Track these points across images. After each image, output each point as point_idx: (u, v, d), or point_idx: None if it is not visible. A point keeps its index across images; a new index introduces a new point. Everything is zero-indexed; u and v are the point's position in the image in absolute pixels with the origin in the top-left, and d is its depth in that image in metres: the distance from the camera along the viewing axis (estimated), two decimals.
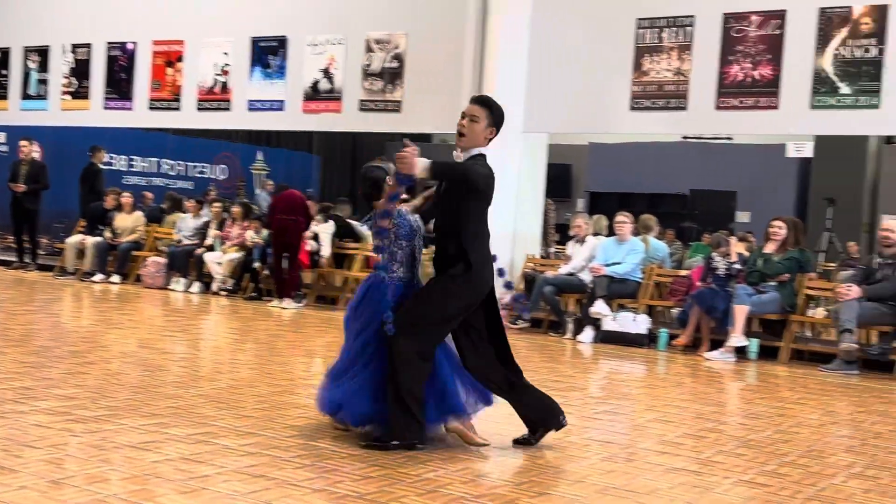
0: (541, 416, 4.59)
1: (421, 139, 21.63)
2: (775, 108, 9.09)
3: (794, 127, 9.89)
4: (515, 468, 4.30)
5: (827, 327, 9.08)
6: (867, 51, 8.62)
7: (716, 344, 8.76)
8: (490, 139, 4.56)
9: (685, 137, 18.73)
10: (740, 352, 8.66)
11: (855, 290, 8.25)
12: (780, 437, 5.26)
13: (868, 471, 4.56)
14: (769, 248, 9.10)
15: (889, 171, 18.94)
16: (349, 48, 11.81)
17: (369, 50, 11.61)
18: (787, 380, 7.82)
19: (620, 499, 3.78)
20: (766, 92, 9.12)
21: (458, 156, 4.56)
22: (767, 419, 5.81)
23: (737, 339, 8.57)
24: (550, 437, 4.63)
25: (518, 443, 4.58)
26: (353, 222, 12.40)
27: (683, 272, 10.02)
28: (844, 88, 8.73)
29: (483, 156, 4.54)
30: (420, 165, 4.26)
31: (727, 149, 19.64)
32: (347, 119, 12.00)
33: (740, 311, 8.58)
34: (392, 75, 11.45)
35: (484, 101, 4.58)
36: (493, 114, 4.52)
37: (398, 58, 11.39)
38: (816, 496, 4.02)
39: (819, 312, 9.12)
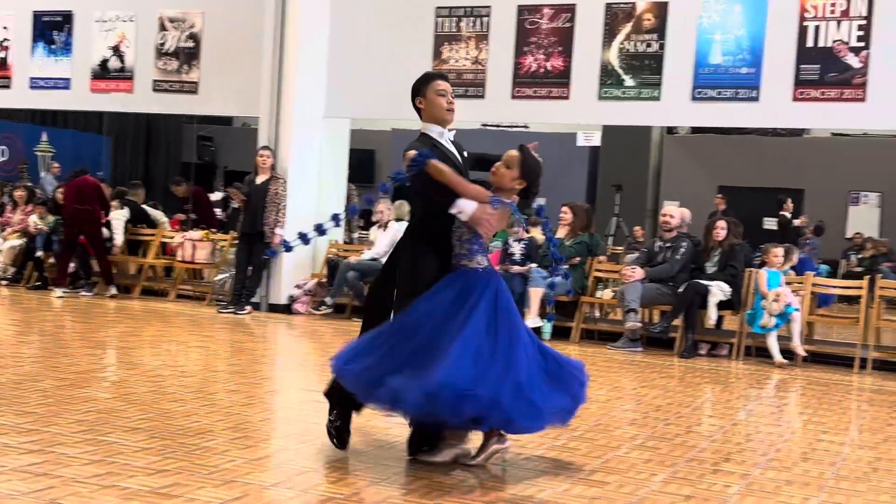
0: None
1: (220, 122, 21.08)
2: (566, 98, 9.48)
3: (584, 116, 10.34)
4: (316, 454, 4.28)
5: (614, 308, 9.60)
6: (649, 45, 9.14)
7: None
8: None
9: (484, 125, 19.22)
10: (535, 332, 8.97)
11: (638, 272, 8.77)
12: None
13: (649, 442, 4.86)
14: (560, 233, 9.50)
15: (670, 160, 20.22)
16: (140, 26, 11.31)
17: (163, 28, 11.17)
18: (578, 358, 8.18)
19: (418, 478, 3.85)
20: (557, 82, 9.49)
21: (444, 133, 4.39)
22: None
23: (532, 320, 8.89)
24: (352, 421, 4.63)
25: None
26: (148, 208, 11.92)
27: None
28: (629, 81, 9.22)
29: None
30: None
31: (523, 137, 20.30)
32: (140, 99, 11.51)
33: (535, 294, 8.92)
34: (188, 55, 11.06)
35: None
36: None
37: (194, 37, 11.01)
38: (602, 468, 4.25)
39: (607, 294, 9.62)
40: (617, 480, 4.03)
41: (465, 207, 4.02)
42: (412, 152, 4.06)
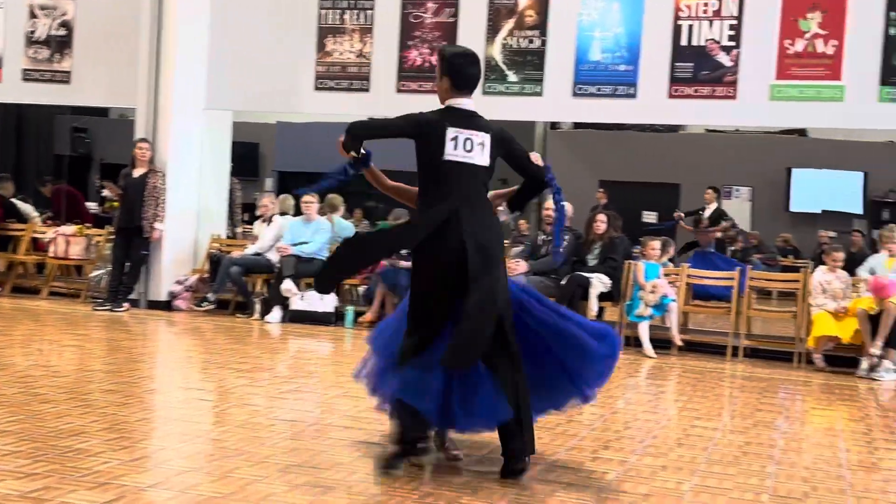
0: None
1: (96, 113, 20.34)
2: None
3: None
4: (197, 454, 4.19)
5: None
6: (531, 41, 9.27)
7: None
8: (448, 89, 4.09)
9: (371, 119, 19.17)
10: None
11: (522, 265, 8.90)
12: None
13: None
14: None
15: (554, 155, 20.51)
16: (9, 13, 10.82)
17: (33, 16, 10.71)
18: None
19: (303, 475, 3.81)
20: None
21: None
22: None
23: None
24: (236, 418, 4.56)
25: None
26: (18, 202, 11.42)
27: None
28: (512, 76, 9.33)
29: (444, 108, 4.12)
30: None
31: None
32: (9, 89, 11.00)
33: None
34: (60, 43, 10.63)
35: (437, 51, 4.26)
36: (443, 61, 4.11)
37: (66, 25, 10.60)
38: (481, 460, 4.29)
39: None
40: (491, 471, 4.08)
41: None
42: None
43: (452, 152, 3.98)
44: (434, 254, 3.93)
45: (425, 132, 3.99)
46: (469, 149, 4.00)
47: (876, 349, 7.68)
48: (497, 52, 9.35)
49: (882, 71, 8.15)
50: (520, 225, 17.22)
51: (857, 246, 14.26)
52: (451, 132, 3.97)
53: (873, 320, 7.80)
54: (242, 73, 10.03)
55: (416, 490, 3.69)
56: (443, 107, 4.10)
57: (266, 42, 9.95)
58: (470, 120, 4.06)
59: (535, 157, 4.27)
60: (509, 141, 4.19)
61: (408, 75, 9.62)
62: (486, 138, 4.05)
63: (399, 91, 9.67)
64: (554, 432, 4.93)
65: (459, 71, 4.06)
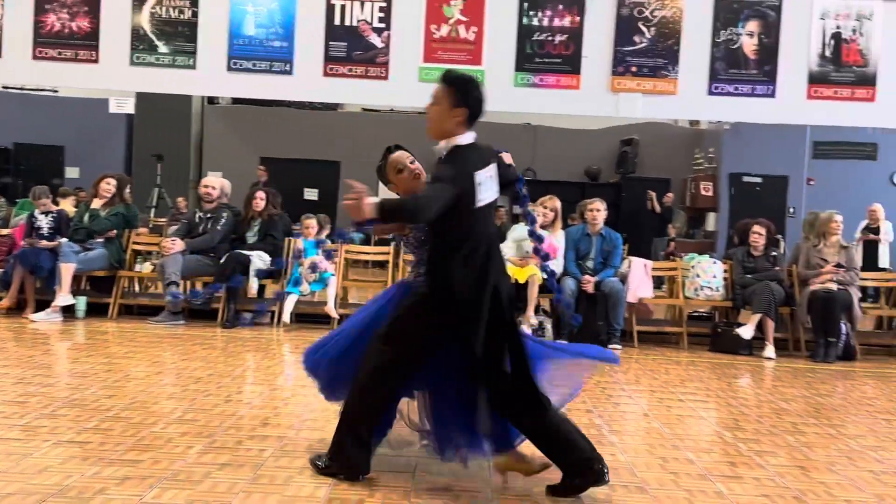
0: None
1: None
2: (95, 62, 8.95)
3: (115, 82, 9.81)
4: None
5: (154, 281, 9.34)
6: (182, 12, 8.93)
7: (43, 305, 8.43)
8: (463, 122, 3.68)
9: (5, 87, 17.53)
10: (68, 311, 8.45)
11: (179, 244, 8.62)
12: (105, 392, 5.27)
13: (187, 414, 4.82)
14: (96, 204, 9.02)
15: (212, 130, 20.08)
16: None
17: None
18: (116, 335, 7.86)
19: None
20: (85, 45, 8.92)
21: (439, 148, 3.72)
22: (94, 377, 5.77)
23: (63, 298, 8.35)
24: None
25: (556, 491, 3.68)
26: None
27: (6, 231, 9.42)
28: (163, 47, 8.95)
29: (459, 148, 3.68)
30: (370, 209, 3.41)
31: (51, 101, 18.86)
32: None
33: (66, 270, 8.37)
34: None
35: (445, 77, 3.74)
36: (459, 91, 3.67)
37: None
38: (136, 445, 4.12)
39: (146, 267, 9.33)
40: (151, 457, 3.94)
41: None
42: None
43: (481, 197, 3.68)
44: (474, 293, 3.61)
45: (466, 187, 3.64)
46: (489, 186, 3.73)
47: (533, 319, 8.18)
48: (145, 22, 8.92)
49: (517, 57, 8.83)
50: (178, 203, 16.67)
51: (501, 220, 15.37)
52: (478, 177, 3.66)
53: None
54: None
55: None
56: (455, 145, 3.71)
57: None
58: (482, 155, 3.75)
59: (507, 158, 4.04)
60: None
61: (46, 42, 8.90)
62: (493, 169, 3.79)
63: (35, 58, 8.93)
64: (211, 413, 4.85)
65: (478, 104, 3.73)
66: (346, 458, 3.73)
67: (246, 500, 3.46)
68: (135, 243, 9.20)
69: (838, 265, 8.59)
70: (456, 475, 3.88)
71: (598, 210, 8.62)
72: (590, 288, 8.30)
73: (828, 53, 8.76)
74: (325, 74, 8.91)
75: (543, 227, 8.33)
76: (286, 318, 8.57)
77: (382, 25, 8.86)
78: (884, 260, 12.73)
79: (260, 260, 8.78)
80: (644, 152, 19.46)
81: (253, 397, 5.43)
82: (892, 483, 4.19)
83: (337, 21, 8.88)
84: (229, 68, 8.97)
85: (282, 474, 3.81)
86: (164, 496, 3.44)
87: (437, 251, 3.66)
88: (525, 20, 8.80)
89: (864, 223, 13.13)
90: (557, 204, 8.61)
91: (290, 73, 8.93)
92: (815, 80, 8.79)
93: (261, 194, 9.23)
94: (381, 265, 9.88)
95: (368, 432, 3.73)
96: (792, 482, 4.04)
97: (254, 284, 8.78)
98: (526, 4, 8.80)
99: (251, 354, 7.22)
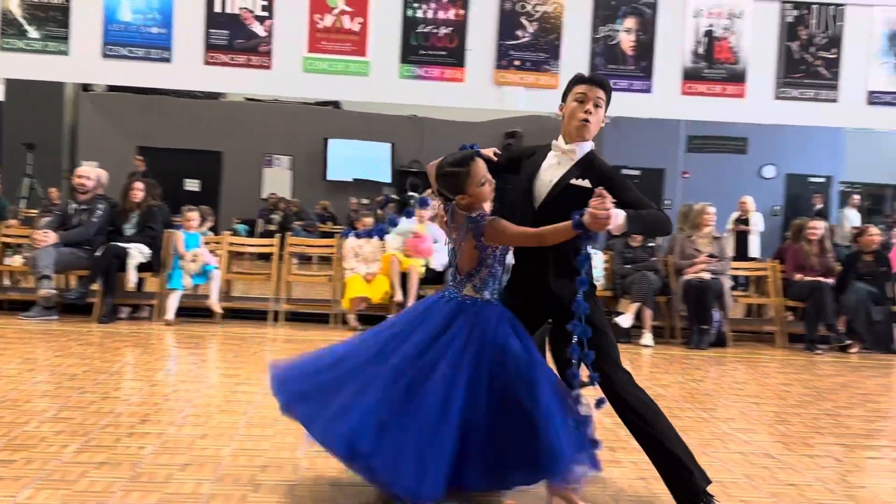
0: None
1: None
2: None
3: None
4: None
5: (26, 275, 8.97)
6: None
7: None
8: None
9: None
10: None
11: (51, 237, 8.30)
12: None
13: (62, 413, 4.66)
14: None
15: (87, 119, 19.40)
16: None
17: None
18: None
19: None
20: None
21: (561, 146, 3.64)
22: None
23: None
24: None
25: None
26: None
27: None
28: (33, 32, 8.59)
29: (594, 151, 3.68)
30: (622, 221, 3.23)
31: None
32: None
33: None
34: None
35: (607, 84, 3.68)
36: (609, 98, 3.72)
37: None
38: (7, 445, 3.97)
39: (17, 260, 8.96)
40: (24, 457, 3.80)
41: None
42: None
43: None
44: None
45: None
46: None
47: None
48: (15, 6, 8.53)
49: (402, 49, 8.83)
50: (50, 193, 16.06)
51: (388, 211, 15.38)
52: None
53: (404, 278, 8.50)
54: None
55: None
56: (593, 149, 3.71)
57: None
58: None
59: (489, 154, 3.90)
60: None
61: None
62: None
63: None
64: (87, 411, 4.70)
65: None
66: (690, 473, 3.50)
67: (124, 498, 3.38)
68: (4, 235, 8.82)
69: (711, 255, 8.94)
70: None
71: None
72: None
73: (701, 50, 9.08)
74: (206, 63, 8.71)
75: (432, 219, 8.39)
76: (170, 316, 8.33)
77: (265, 14, 8.72)
78: (753, 250, 13.31)
79: (139, 252, 8.54)
80: (528, 144, 19.78)
81: (131, 394, 5.29)
82: (760, 464, 4.40)
83: (218, 8, 8.69)
84: (104, 55, 8.67)
85: (162, 472, 3.73)
86: (38, 496, 3.33)
87: (564, 252, 3.50)
88: (410, 12, 8.81)
89: (735, 214, 13.68)
90: None
91: (168, 60, 8.69)
92: (689, 76, 9.09)
93: (139, 184, 8.97)
94: (265, 258, 9.75)
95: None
96: None
97: (132, 277, 8.53)
98: None
99: (130, 350, 7.02)
